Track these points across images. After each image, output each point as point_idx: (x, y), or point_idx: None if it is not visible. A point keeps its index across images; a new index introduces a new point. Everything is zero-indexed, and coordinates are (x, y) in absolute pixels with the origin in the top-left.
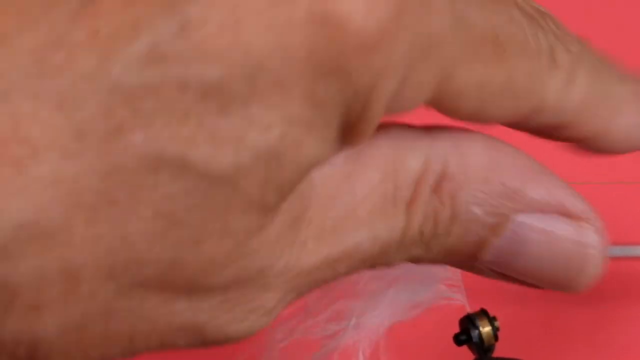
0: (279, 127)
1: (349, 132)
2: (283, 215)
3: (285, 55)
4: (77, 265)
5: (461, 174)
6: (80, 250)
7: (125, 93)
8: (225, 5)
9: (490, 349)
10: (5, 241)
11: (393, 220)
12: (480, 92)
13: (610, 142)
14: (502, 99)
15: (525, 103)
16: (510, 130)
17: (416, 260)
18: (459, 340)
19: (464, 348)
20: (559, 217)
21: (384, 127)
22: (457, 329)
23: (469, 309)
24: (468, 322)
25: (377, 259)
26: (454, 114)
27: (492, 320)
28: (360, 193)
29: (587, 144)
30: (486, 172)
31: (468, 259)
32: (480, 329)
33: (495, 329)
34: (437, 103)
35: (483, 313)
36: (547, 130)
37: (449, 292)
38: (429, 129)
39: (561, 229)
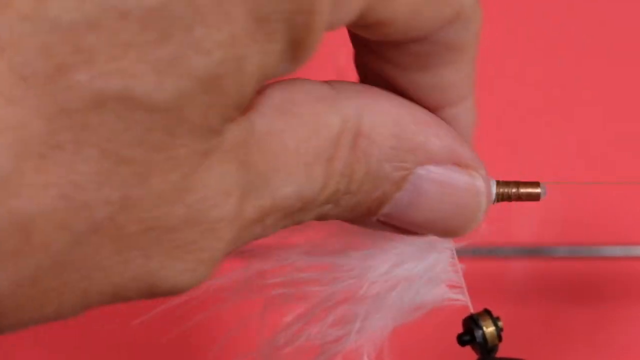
0: (222, 49)
1: (296, 46)
2: (226, 152)
3: None
4: (28, 216)
5: (373, 131)
6: (30, 199)
7: (65, 31)
8: None
9: (493, 349)
10: None
11: (315, 177)
12: None
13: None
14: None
15: (449, 8)
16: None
17: (322, 217)
18: (462, 340)
19: (468, 348)
20: (453, 167)
21: (303, 85)
22: (460, 330)
23: (472, 310)
24: (471, 323)
25: (295, 216)
26: (387, 26)
27: (495, 320)
28: (292, 148)
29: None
30: (394, 128)
31: (366, 214)
32: (484, 329)
33: (499, 329)
34: (372, 13)
35: (486, 313)
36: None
37: (451, 293)
38: (340, 87)
39: (455, 178)
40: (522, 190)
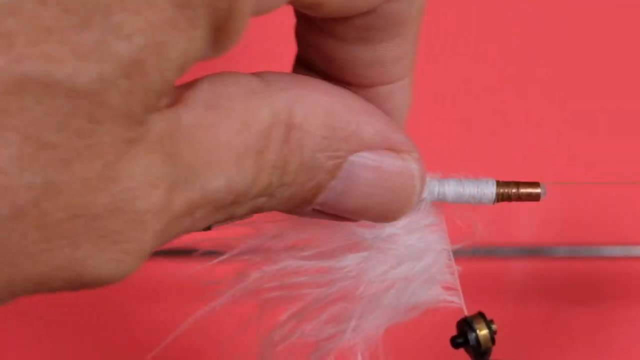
0: (142, 34)
1: (220, 32)
2: (151, 142)
3: None
4: None
5: (305, 122)
6: None
7: None
8: None
9: (487, 352)
10: None
11: (246, 169)
12: None
13: None
14: None
15: None
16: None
17: (257, 210)
18: (455, 343)
19: (463, 351)
20: (386, 152)
21: (233, 78)
22: (454, 332)
23: (466, 312)
24: (465, 325)
25: (227, 210)
26: (324, 5)
27: (489, 323)
28: (223, 142)
29: None
30: (326, 117)
31: (301, 204)
32: (477, 332)
33: (492, 332)
34: None
35: (480, 316)
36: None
37: (446, 294)
38: (271, 79)
39: (389, 163)
40: (522, 190)
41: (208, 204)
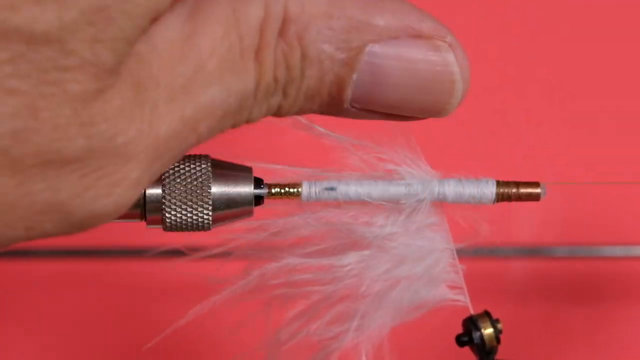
0: None
1: None
2: (125, 80)
3: None
4: None
5: (303, 14)
6: None
7: None
8: None
9: (492, 351)
10: None
11: (244, 71)
12: None
13: None
14: None
15: None
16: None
17: (278, 110)
18: (460, 341)
19: (468, 350)
20: (411, 40)
21: None
22: (460, 330)
23: (472, 311)
24: (470, 324)
25: (237, 115)
26: None
27: (494, 322)
28: (206, 49)
29: None
30: (327, 7)
31: (332, 101)
32: (482, 330)
33: (498, 332)
34: None
35: (486, 315)
36: None
37: (452, 293)
38: None
39: (415, 52)
40: (522, 190)
41: (209, 115)
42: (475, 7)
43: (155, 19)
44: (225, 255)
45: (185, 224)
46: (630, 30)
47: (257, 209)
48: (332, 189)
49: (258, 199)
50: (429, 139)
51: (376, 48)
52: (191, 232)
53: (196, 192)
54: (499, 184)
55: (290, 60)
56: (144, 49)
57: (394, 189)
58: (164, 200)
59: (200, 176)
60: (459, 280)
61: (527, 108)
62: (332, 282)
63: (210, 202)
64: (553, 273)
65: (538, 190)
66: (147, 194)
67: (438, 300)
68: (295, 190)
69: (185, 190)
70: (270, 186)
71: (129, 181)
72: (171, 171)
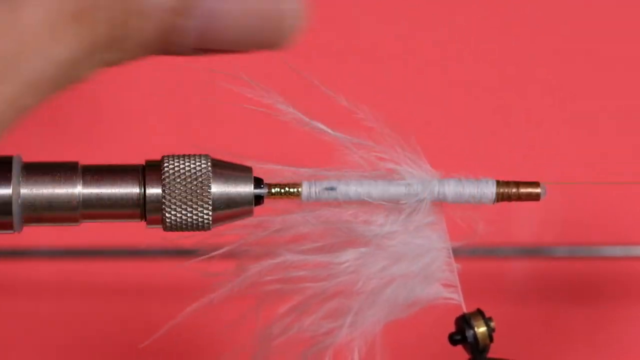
0: None
1: None
2: None
3: None
4: None
5: None
6: None
7: None
8: None
9: (485, 349)
10: None
11: (72, 35)
12: None
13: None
14: None
15: None
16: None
17: (114, 63)
18: (453, 339)
19: (461, 348)
20: None
21: None
22: (454, 328)
23: (465, 309)
24: (463, 322)
25: (70, 76)
26: None
27: (487, 320)
28: (28, 21)
29: None
30: None
31: (168, 47)
32: (475, 329)
33: (491, 330)
34: None
35: (479, 313)
36: None
37: (446, 291)
38: None
39: None
40: (522, 190)
41: (33, 90)
42: (475, 7)
43: None
44: (225, 255)
45: (185, 224)
46: (630, 30)
47: (257, 208)
48: (332, 188)
49: (258, 199)
50: (429, 139)
51: None
52: (191, 232)
53: (196, 192)
54: (499, 183)
55: (122, 17)
56: None
57: (394, 189)
58: (164, 200)
59: (200, 176)
60: (454, 278)
61: (527, 108)
62: (328, 279)
63: (210, 202)
64: (553, 273)
65: (538, 190)
66: (147, 194)
67: (432, 298)
68: (295, 190)
69: (185, 190)
70: (270, 186)
71: None
72: (171, 171)
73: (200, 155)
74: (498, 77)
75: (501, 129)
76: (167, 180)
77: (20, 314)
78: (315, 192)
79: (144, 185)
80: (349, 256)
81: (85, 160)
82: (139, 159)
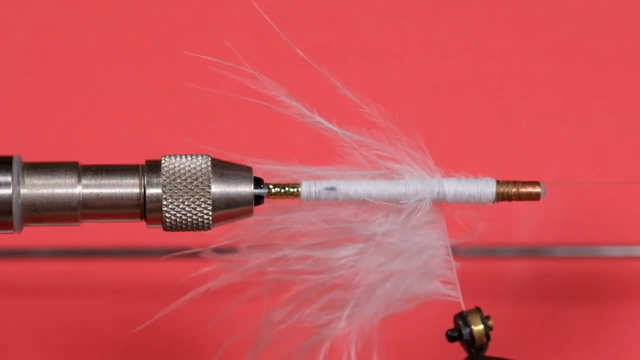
0: None
1: None
2: None
3: None
4: None
5: None
6: None
7: None
8: None
9: (482, 347)
10: None
11: None
12: None
13: None
14: None
15: None
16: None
17: None
18: (450, 336)
19: (459, 345)
20: None
21: None
22: (452, 325)
23: (463, 307)
24: (460, 320)
25: None
26: None
27: (485, 319)
28: None
29: None
30: None
31: None
32: (472, 327)
33: (488, 328)
34: None
35: (477, 311)
36: None
37: (444, 288)
38: None
39: None
40: (522, 189)
41: None
42: (475, 7)
43: None
44: (225, 253)
45: (185, 224)
46: (630, 30)
47: (256, 207)
48: (332, 188)
49: (258, 199)
50: (429, 139)
51: None
52: (191, 232)
53: (196, 192)
54: (499, 183)
55: None
56: None
57: (394, 189)
58: (164, 200)
59: (200, 176)
60: (453, 276)
61: (527, 108)
62: (327, 272)
63: (210, 202)
64: (553, 273)
65: (538, 190)
66: (147, 194)
67: (430, 294)
68: (295, 189)
69: (185, 190)
70: (270, 186)
71: None
72: (171, 171)
73: (200, 155)
74: (498, 76)
75: (501, 129)
76: (167, 180)
77: (20, 314)
78: (315, 192)
79: (143, 185)
80: (347, 251)
81: (85, 160)
82: (139, 159)
